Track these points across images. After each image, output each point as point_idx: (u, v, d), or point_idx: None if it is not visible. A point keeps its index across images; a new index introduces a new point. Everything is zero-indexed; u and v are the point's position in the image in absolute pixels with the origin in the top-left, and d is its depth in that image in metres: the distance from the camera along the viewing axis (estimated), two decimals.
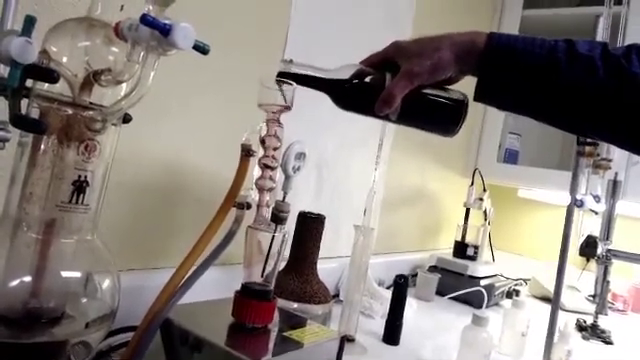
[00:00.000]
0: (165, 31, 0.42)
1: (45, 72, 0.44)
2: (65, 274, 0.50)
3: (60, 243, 0.49)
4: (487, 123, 1.93)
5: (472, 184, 1.62)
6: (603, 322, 1.37)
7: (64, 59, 0.48)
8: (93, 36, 0.49)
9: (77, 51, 0.49)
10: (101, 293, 0.52)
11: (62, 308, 0.50)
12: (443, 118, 0.63)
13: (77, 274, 0.51)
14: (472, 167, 1.73)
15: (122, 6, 0.52)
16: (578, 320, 1.39)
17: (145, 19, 0.42)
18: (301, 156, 0.71)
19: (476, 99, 0.62)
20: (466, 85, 0.64)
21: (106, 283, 0.53)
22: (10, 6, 0.50)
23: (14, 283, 0.47)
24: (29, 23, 0.43)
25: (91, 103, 0.49)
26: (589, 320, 1.38)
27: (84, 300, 0.52)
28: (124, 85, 0.49)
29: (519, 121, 1.96)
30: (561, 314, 0.98)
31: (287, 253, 0.85)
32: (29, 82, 0.45)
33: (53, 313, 0.49)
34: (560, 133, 2.11)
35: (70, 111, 0.48)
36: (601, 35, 1.15)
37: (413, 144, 1.53)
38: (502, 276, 1.58)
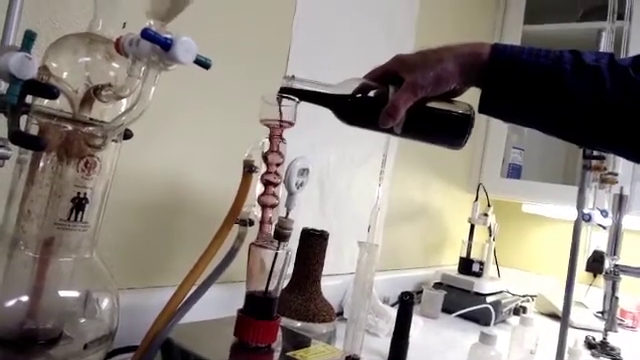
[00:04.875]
0: (166, 45, 0.41)
1: (45, 88, 0.43)
2: (63, 294, 0.49)
3: (58, 262, 0.48)
4: (490, 138, 1.93)
5: (476, 199, 1.61)
6: (612, 339, 1.34)
7: (64, 75, 0.47)
8: (94, 51, 0.49)
9: (77, 67, 0.49)
10: (100, 313, 0.51)
11: (60, 329, 0.49)
12: (449, 131, 0.63)
13: (75, 294, 0.50)
14: (476, 182, 1.72)
15: (125, 23, 0.52)
16: (587, 337, 1.36)
17: (146, 33, 0.41)
18: (304, 172, 0.70)
19: (480, 111, 0.61)
20: (470, 97, 0.63)
21: (105, 303, 0.52)
22: (12, 22, 0.50)
23: (10, 303, 0.46)
24: (29, 39, 0.42)
25: (91, 119, 0.48)
26: (598, 337, 1.35)
27: (82, 320, 0.50)
28: (125, 101, 0.49)
29: (522, 136, 1.96)
30: (570, 331, 0.96)
31: (290, 271, 0.84)
32: (29, 98, 0.45)
33: (50, 334, 0.48)
34: (563, 148, 2.09)
35: (70, 127, 0.47)
36: (604, 50, 1.14)
37: (416, 160, 1.52)
38: (508, 292, 1.56)
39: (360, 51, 1.16)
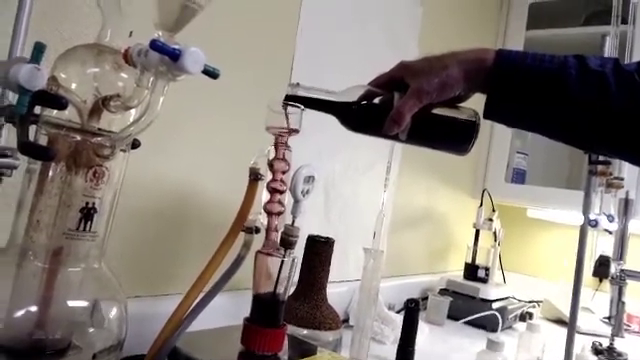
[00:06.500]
0: (174, 56, 0.42)
1: (53, 99, 0.44)
2: (72, 304, 0.49)
3: (67, 272, 0.48)
4: (494, 143, 1.93)
5: (481, 205, 1.60)
6: (619, 344, 1.33)
7: (73, 85, 0.48)
8: (102, 62, 0.49)
9: (86, 77, 0.49)
10: (108, 323, 0.51)
11: (68, 339, 0.49)
12: (454, 137, 0.63)
13: (84, 303, 0.50)
14: (480, 188, 1.71)
15: (131, 32, 0.52)
16: (594, 343, 1.35)
17: (154, 44, 0.42)
18: (310, 179, 0.70)
19: (485, 116, 0.61)
20: (475, 103, 0.63)
21: (113, 312, 0.52)
22: (20, 34, 0.50)
23: (20, 313, 0.46)
24: (38, 50, 0.43)
25: (100, 129, 0.49)
26: (605, 342, 1.34)
27: (91, 330, 0.50)
28: (133, 111, 0.49)
29: (526, 141, 1.96)
30: (576, 337, 0.95)
31: (296, 278, 0.84)
32: (38, 109, 0.45)
33: (59, 344, 0.48)
34: (567, 153, 2.08)
35: (79, 137, 0.48)
36: (608, 55, 1.14)
37: (421, 166, 1.52)
38: (514, 298, 1.55)
39: (364, 58, 1.16)
